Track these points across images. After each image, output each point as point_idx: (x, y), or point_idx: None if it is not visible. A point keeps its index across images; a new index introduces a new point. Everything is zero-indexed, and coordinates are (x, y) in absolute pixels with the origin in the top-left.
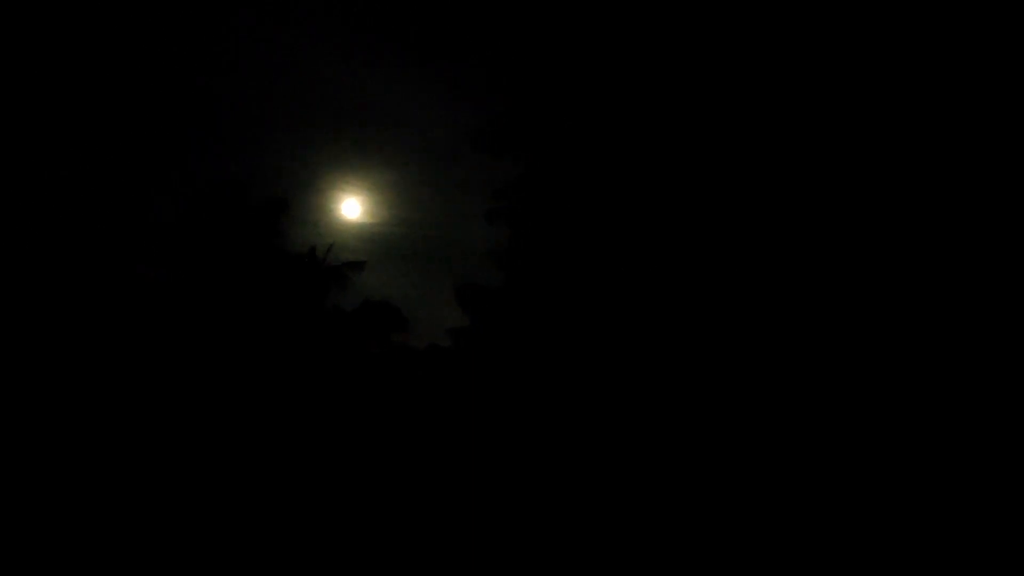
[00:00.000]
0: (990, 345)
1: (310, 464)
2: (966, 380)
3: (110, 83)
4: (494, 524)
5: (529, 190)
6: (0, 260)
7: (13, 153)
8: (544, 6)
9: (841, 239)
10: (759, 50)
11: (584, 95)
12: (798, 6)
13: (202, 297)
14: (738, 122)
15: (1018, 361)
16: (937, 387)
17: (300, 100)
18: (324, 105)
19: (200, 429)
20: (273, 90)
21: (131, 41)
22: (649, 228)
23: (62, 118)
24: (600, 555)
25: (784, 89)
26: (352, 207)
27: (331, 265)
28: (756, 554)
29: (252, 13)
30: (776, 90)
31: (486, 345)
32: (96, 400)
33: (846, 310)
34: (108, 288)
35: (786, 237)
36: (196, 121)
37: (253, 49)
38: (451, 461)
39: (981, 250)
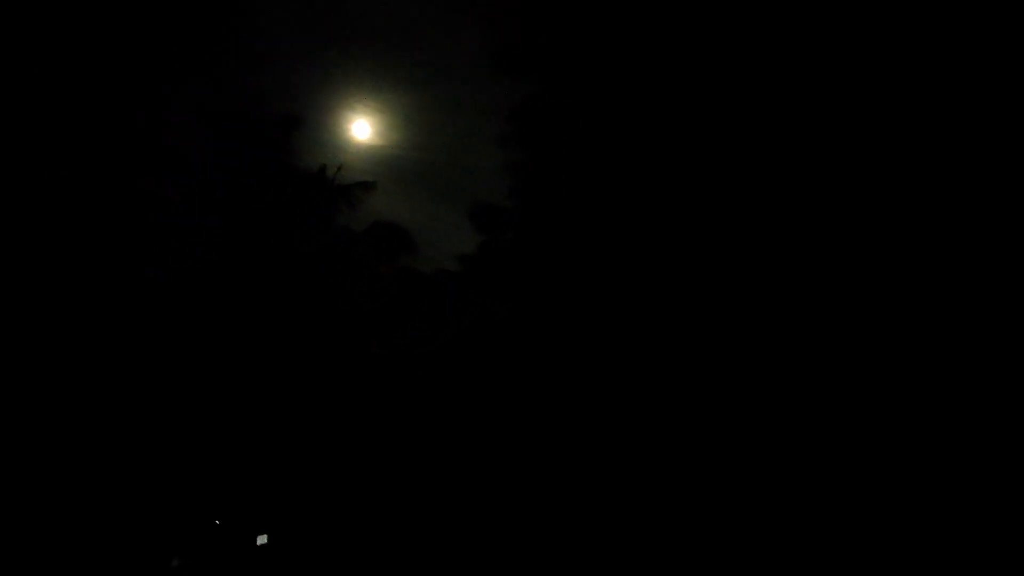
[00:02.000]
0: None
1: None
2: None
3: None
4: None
5: (544, 113)
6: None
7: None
8: None
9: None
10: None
11: (604, 18)
12: None
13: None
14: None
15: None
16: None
17: (311, 17)
18: (336, 23)
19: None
20: (285, 7)
21: None
22: (667, 158)
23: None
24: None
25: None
26: (363, 128)
27: (341, 185)
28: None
29: None
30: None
31: (494, 271)
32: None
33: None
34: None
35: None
36: (206, 39)
37: None
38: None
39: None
